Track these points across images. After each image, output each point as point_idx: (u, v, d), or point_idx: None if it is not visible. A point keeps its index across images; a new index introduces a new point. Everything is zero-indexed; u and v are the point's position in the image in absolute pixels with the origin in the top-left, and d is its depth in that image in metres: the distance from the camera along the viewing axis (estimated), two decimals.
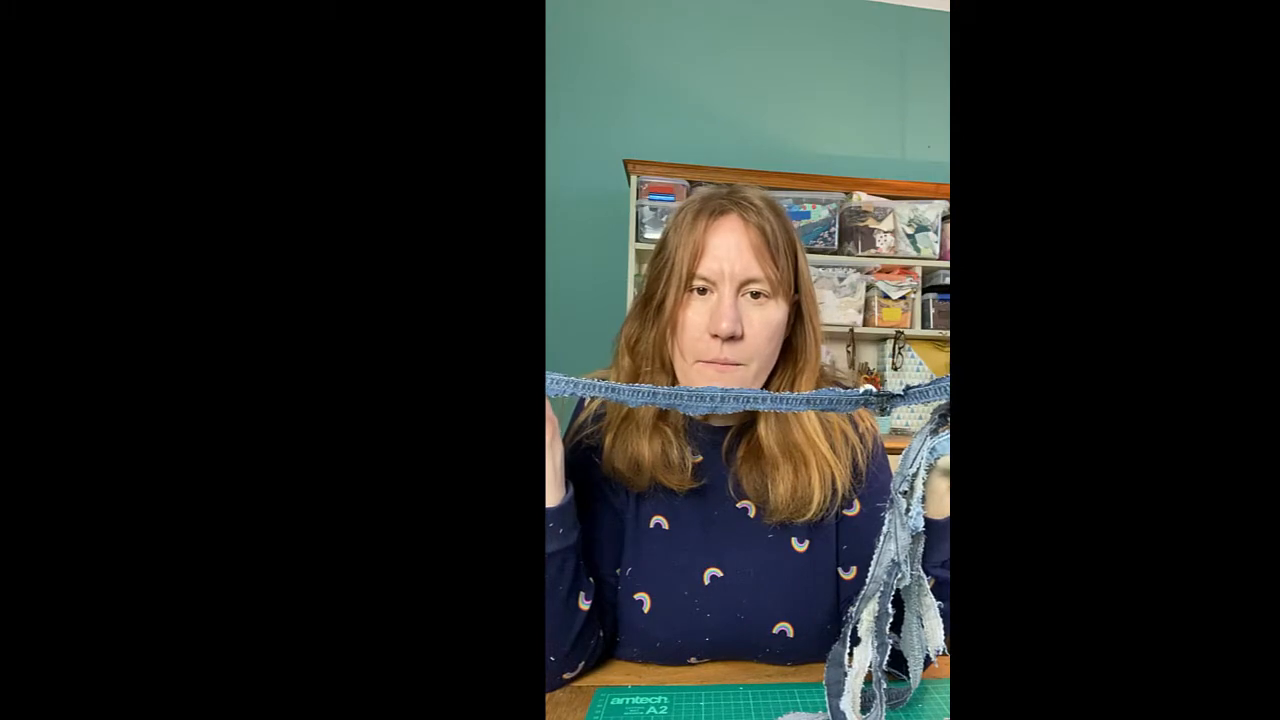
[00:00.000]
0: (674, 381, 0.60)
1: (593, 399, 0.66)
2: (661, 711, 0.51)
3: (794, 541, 0.62)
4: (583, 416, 0.65)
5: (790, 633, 0.59)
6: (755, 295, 0.57)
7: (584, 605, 0.55)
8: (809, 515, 0.59)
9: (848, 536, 0.63)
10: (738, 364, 0.57)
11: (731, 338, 0.55)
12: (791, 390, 0.62)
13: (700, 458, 0.63)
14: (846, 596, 0.61)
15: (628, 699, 0.53)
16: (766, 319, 0.57)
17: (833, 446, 0.61)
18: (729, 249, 0.55)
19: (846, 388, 0.67)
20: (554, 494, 0.53)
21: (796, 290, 0.60)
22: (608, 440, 0.61)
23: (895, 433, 2.20)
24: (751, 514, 0.63)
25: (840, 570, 0.62)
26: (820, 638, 0.59)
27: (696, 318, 0.56)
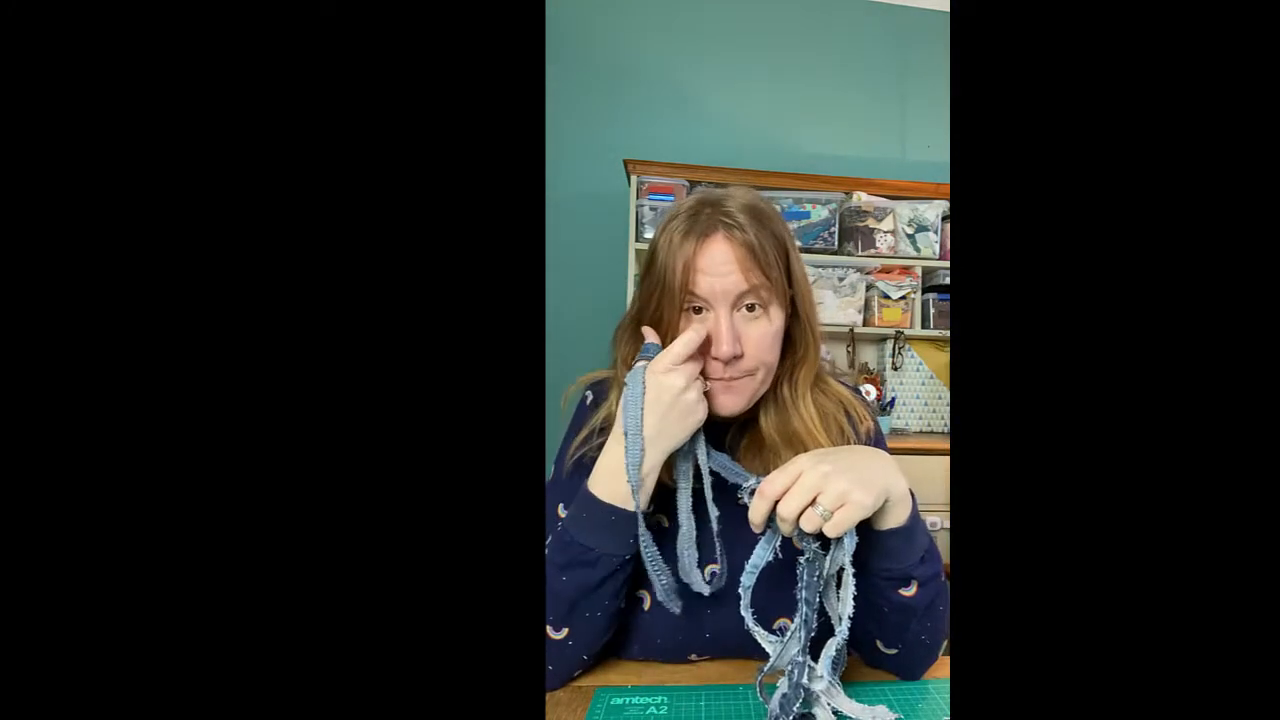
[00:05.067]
0: None
1: (597, 410, 0.65)
2: (661, 711, 0.51)
3: (794, 537, 0.62)
4: (586, 430, 0.65)
5: (790, 628, 0.59)
6: (751, 308, 0.57)
7: (622, 606, 0.57)
8: None
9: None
10: (741, 377, 0.57)
11: (734, 357, 0.56)
12: (790, 383, 0.62)
13: None
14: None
15: (628, 699, 0.53)
16: (765, 331, 0.57)
17: (830, 439, 0.61)
18: (718, 266, 0.56)
19: (848, 387, 0.68)
20: (647, 499, 0.55)
21: (790, 286, 0.60)
22: None
23: (895, 433, 2.20)
24: None
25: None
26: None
27: (695, 339, 0.56)
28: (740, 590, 0.51)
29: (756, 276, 0.56)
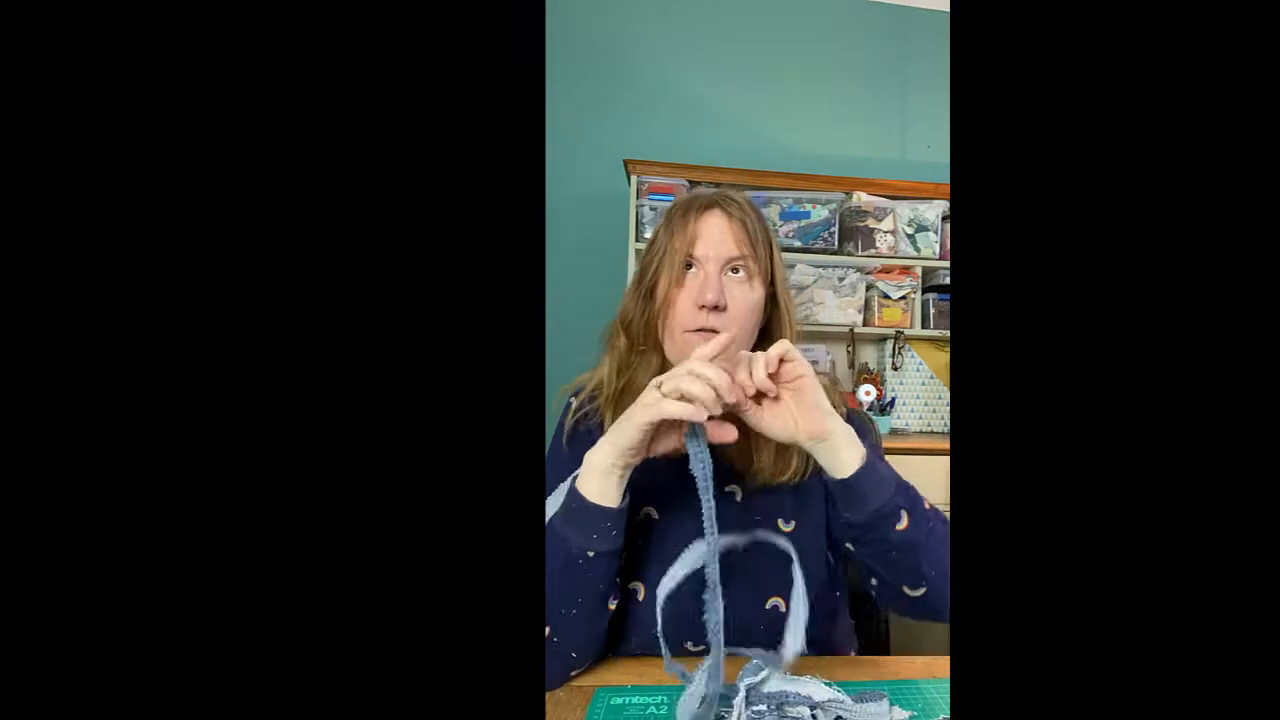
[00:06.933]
0: (663, 359, 0.66)
1: (581, 393, 0.68)
2: (661, 711, 0.51)
3: (780, 522, 0.65)
4: (574, 407, 0.69)
5: (783, 607, 0.61)
6: (736, 270, 0.64)
7: (611, 605, 0.58)
8: (787, 476, 0.64)
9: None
10: (719, 332, 0.61)
11: (716, 307, 0.61)
12: None
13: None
14: (836, 578, 0.67)
15: (628, 699, 0.53)
16: (746, 296, 0.64)
17: None
18: (714, 233, 0.64)
19: (844, 391, 0.69)
20: (616, 495, 0.55)
21: (772, 280, 0.67)
22: (607, 418, 0.65)
23: (895, 433, 2.21)
24: (739, 498, 0.66)
25: (829, 553, 0.67)
26: (812, 613, 0.60)
27: (685, 294, 0.63)
28: (658, 594, 0.49)
29: (746, 248, 0.64)
